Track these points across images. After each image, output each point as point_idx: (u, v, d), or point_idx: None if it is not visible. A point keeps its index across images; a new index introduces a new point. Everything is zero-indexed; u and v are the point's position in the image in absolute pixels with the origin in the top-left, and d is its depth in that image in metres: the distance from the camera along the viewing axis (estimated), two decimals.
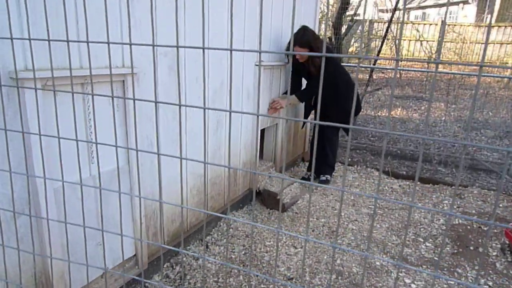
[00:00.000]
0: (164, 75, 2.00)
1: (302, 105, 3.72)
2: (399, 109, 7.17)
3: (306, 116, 3.71)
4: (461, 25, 14.31)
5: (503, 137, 5.44)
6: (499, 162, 4.35)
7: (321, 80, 0.69)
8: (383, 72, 10.64)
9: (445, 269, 2.39)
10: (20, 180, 1.39)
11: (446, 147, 4.68)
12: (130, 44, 0.76)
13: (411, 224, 2.92)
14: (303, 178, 3.73)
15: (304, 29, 3.08)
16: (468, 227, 2.86)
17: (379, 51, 5.60)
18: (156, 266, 2.18)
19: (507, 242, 2.55)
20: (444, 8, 19.73)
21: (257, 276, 2.10)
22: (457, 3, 19.10)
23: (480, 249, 2.57)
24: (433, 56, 13.06)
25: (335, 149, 3.65)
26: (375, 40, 14.31)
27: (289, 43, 3.28)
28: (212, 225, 2.75)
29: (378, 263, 2.39)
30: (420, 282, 2.24)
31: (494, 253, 2.55)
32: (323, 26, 5.38)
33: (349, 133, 0.73)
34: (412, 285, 2.22)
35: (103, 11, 1.54)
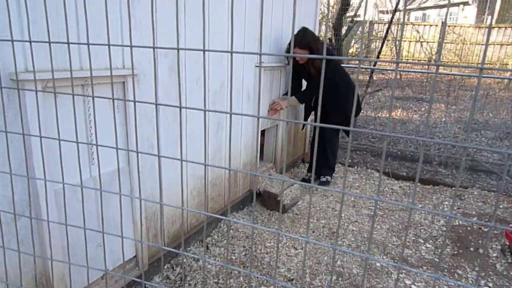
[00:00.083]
0: (165, 76, 2.00)
1: (302, 107, 3.72)
2: (400, 110, 7.17)
3: (306, 117, 3.71)
4: (461, 26, 14.31)
5: (503, 138, 5.44)
6: (499, 163, 4.35)
7: (321, 82, 0.69)
8: (383, 73, 10.65)
9: (446, 270, 2.39)
10: (20, 182, 1.39)
11: (446, 148, 4.68)
12: (131, 47, 0.76)
13: (412, 225, 2.92)
14: (303, 179, 3.73)
15: (304, 31, 3.08)
16: (469, 228, 2.86)
17: (379, 52, 5.60)
18: (157, 267, 2.18)
19: (507, 243, 2.55)
20: (444, 9, 19.76)
21: (257, 277, 2.10)
22: (457, 4, 19.11)
23: (481, 250, 2.56)
24: (434, 57, 13.07)
25: (335, 150, 3.65)
26: (376, 41, 14.32)
27: (289, 44, 3.29)
28: (213, 226, 2.75)
29: (378, 264, 2.39)
30: (421, 283, 2.24)
31: (494, 254, 2.55)
32: (323, 27, 5.38)
33: (350, 135, 0.73)
34: (413, 286, 2.21)
35: (103, 10, 1.54)
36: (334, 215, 3.04)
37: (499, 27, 14.01)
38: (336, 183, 3.71)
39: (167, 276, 2.21)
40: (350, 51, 12.85)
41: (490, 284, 2.26)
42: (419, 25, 15.43)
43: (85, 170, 1.64)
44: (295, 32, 3.10)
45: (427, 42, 13.79)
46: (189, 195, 2.41)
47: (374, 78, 9.76)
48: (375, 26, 14.70)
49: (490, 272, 2.37)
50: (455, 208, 3.25)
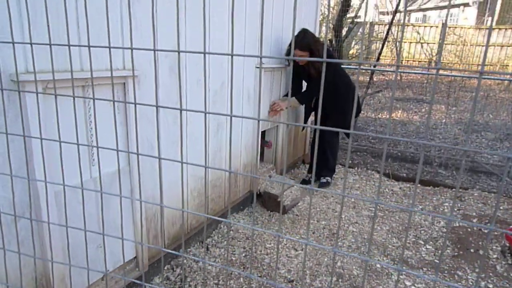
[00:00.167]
0: (165, 77, 2.00)
1: (302, 108, 3.72)
2: (400, 111, 7.17)
3: (306, 118, 3.71)
4: (462, 28, 14.31)
5: (503, 140, 5.43)
6: (500, 164, 4.35)
7: (321, 83, 0.69)
8: (383, 74, 10.66)
9: (446, 272, 2.39)
10: (21, 183, 1.39)
11: (446, 150, 4.68)
12: (132, 49, 0.76)
13: (412, 227, 2.92)
14: (303, 180, 3.72)
15: (304, 32, 3.09)
16: (469, 229, 2.85)
17: (379, 54, 5.60)
18: (157, 268, 2.18)
19: (508, 244, 2.55)
20: (445, 11, 19.76)
21: (257, 278, 2.10)
22: (458, 6, 19.12)
23: (481, 252, 2.56)
24: (434, 58, 13.07)
25: (335, 151, 3.66)
26: (376, 43, 14.33)
27: (290, 45, 3.29)
28: (213, 227, 2.75)
29: (378, 265, 2.38)
30: (421, 284, 2.24)
31: (495, 256, 2.54)
32: (323, 28, 5.39)
33: (350, 136, 0.73)
34: (413, 287, 2.21)
35: (103, 10, 1.54)
36: (335, 216, 3.04)
37: (500, 29, 14.02)
38: (337, 184, 3.71)
39: (167, 277, 2.21)
40: (351, 52, 12.86)
41: (490, 286, 2.26)
42: (419, 26, 15.44)
43: (85, 170, 1.65)
44: (296, 33, 3.11)
45: (428, 43, 13.80)
46: (189, 196, 2.41)
47: (375, 79, 9.76)
48: (376, 27, 14.72)
49: (490, 274, 2.36)
50: (456, 209, 3.25)
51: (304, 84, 3.54)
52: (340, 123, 3.38)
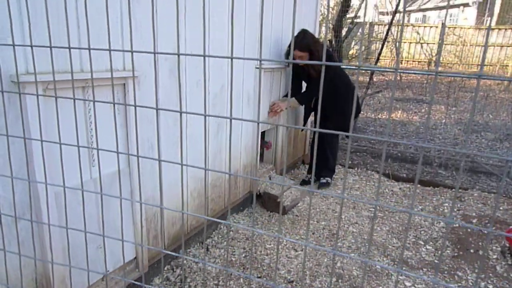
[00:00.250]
0: (165, 78, 2.00)
1: (302, 108, 3.73)
2: (400, 111, 7.17)
3: (306, 119, 3.71)
4: (462, 28, 14.33)
5: (503, 140, 5.44)
6: (500, 164, 4.35)
7: (321, 84, 0.69)
8: (383, 75, 10.66)
9: (446, 272, 2.39)
10: (21, 184, 1.39)
11: (446, 150, 4.68)
12: (132, 52, 0.76)
13: (412, 227, 2.92)
14: (303, 181, 3.72)
15: (303, 33, 3.09)
16: (469, 230, 2.86)
17: (379, 54, 5.60)
18: (157, 268, 2.18)
19: (508, 245, 2.55)
20: (444, 11, 19.77)
21: (257, 279, 2.10)
22: (457, 6, 19.14)
23: (481, 252, 2.56)
24: (434, 58, 13.08)
25: (335, 151, 3.66)
26: (376, 43, 14.35)
27: (289, 46, 3.29)
28: (213, 227, 2.75)
29: (378, 266, 2.39)
30: (421, 285, 2.24)
31: (495, 256, 2.55)
32: (323, 28, 5.39)
33: (349, 136, 0.73)
34: None
35: (103, 10, 1.54)
36: (334, 216, 3.04)
37: (499, 29, 14.03)
38: (337, 185, 3.72)
39: (167, 278, 2.21)
40: (350, 52, 12.87)
41: (490, 286, 2.26)
42: (419, 26, 15.46)
43: (85, 171, 1.65)
44: (295, 34, 3.11)
45: (427, 43, 13.81)
46: (189, 197, 2.41)
47: (374, 79, 9.77)
48: (375, 27, 14.73)
49: (490, 274, 2.37)
50: (456, 209, 3.25)
51: (304, 84, 3.54)
52: (340, 123, 3.38)
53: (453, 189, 3.67)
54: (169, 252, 0.81)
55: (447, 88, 9.33)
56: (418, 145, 0.60)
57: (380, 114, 6.75)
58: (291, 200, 3.15)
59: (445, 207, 3.29)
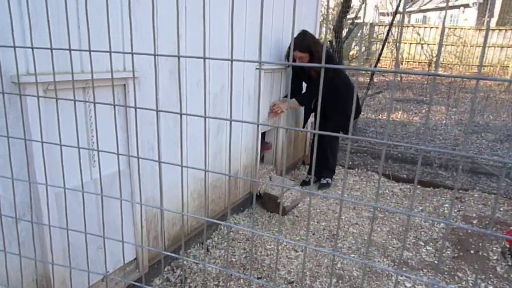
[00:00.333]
0: (165, 79, 2.01)
1: (302, 109, 3.73)
2: (400, 112, 7.17)
3: (306, 119, 3.71)
4: (462, 29, 14.33)
5: (503, 141, 5.43)
6: (500, 165, 4.35)
7: (321, 84, 0.69)
8: (383, 75, 10.66)
9: (446, 273, 2.39)
10: (21, 185, 1.39)
11: (445, 152, 4.67)
12: (132, 54, 0.77)
13: (412, 228, 2.92)
14: (303, 181, 3.72)
15: (304, 34, 3.09)
16: (469, 230, 2.86)
17: (380, 55, 5.60)
18: (157, 269, 2.18)
19: (508, 245, 2.55)
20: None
21: (257, 282, 2.10)
22: (458, 7, 19.13)
23: (481, 253, 2.56)
24: (434, 59, 13.07)
25: (335, 152, 3.66)
26: (376, 43, 14.35)
27: (290, 47, 3.29)
28: (213, 228, 2.75)
29: (378, 267, 2.38)
30: (421, 286, 2.24)
31: (495, 257, 2.54)
32: (324, 29, 5.39)
33: (349, 138, 0.74)
34: None
35: (103, 11, 1.55)
36: (335, 217, 3.04)
37: (500, 30, 14.03)
38: (337, 185, 3.72)
39: (167, 278, 2.21)
40: (351, 53, 12.88)
41: (491, 287, 2.26)
42: (419, 27, 15.46)
43: (86, 172, 1.65)
44: (295, 35, 3.11)
45: (428, 44, 13.81)
46: (189, 197, 2.41)
47: (375, 80, 9.77)
48: (376, 28, 14.74)
49: (491, 275, 2.37)
50: (456, 210, 3.25)
51: (304, 85, 3.54)
52: (340, 123, 3.39)
53: (453, 190, 3.67)
54: (169, 253, 0.81)
55: (448, 89, 9.33)
56: (417, 147, 0.60)
57: (380, 115, 6.75)
58: (291, 201, 3.15)
59: (445, 208, 3.29)
